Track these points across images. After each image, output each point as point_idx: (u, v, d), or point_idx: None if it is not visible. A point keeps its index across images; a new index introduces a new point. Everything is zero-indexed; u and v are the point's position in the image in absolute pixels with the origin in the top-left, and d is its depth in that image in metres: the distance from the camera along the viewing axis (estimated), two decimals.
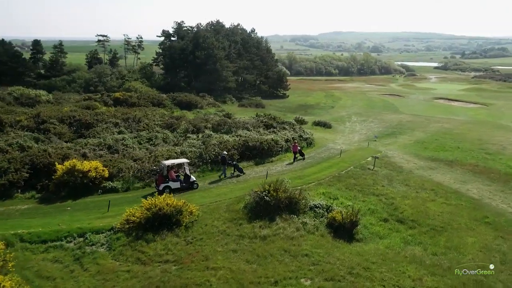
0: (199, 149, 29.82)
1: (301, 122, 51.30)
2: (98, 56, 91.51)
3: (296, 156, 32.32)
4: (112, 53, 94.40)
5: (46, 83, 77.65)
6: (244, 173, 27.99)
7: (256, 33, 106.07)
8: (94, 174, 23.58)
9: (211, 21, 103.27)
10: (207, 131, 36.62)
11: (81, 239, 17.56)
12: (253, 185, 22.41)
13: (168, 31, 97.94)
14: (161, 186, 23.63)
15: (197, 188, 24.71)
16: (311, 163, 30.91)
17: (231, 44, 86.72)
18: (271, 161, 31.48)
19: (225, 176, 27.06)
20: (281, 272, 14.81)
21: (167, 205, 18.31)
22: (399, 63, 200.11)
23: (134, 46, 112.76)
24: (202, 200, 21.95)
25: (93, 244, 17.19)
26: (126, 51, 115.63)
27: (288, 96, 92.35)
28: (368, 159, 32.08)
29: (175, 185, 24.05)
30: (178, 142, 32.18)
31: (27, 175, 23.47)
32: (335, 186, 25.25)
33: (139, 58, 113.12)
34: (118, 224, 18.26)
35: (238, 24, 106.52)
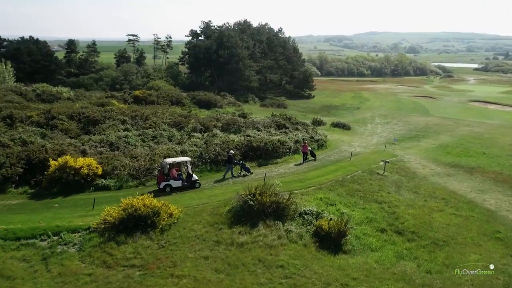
0: (200, 149, 28.99)
1: (319, 123, 49.62)
2: (126, 55, 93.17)
3: (308, 157, 31.04)
4: (138, 52, 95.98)
5: (74, 81, 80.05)
6: (251, 173, 27.01)
7: (284, 32, 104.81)
8: (86, 171, 23.14)
9: (239, 21, 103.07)
10: (215, 130, 35.80)
11: (56, 237, 16.99)
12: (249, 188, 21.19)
13: (196, 30, 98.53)
14: (162, 184, 23.05)
15: (199, 187, 23.88)
16: (316, 166, 29.32)
17: (255, 44, 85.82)
18: (276, 163, 30.13)
19: (232, 176, 26.17)
20: (248, 284, 13.59)
21: (144, 206, 17.49)
22: (436, 64, 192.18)
23: (163, 46, 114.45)
24: (190, 202, 21.01)
25: (65, 244, 16.59)
26: (155, 50, 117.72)
27: (313, 96, 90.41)
28: (380, 163, 30.05)
29: (176, 183, 23.37)
30: (182, 141, 31.50)
31: (22, 170, 23.37)
32: (336, 191, 23.62)
33: (168, 58, 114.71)
34: (95, 223, 17.62)
35: (266, 24, 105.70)
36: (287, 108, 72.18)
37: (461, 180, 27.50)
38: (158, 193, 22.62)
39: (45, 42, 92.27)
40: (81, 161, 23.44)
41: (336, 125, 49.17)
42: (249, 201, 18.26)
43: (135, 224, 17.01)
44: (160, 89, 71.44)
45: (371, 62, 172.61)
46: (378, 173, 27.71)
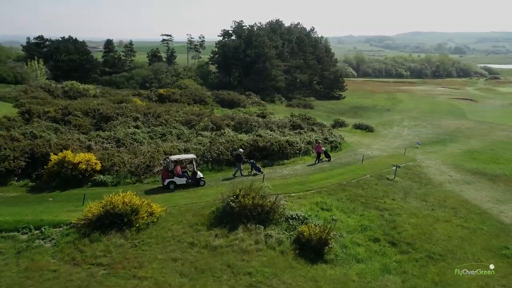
0: (204, 147, 28.52)
1: (341, 124, 47.95)
2: (158, 55, 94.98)
3: (321, 157, 30.10)
4: (169, 51, 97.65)
5: (107, 79, 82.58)
6: (262, 172, 26.36)
7: (316, 32, 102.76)
8: (84, 167, 23.27)
9: (271, 20, 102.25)
10: (227, 129, 35.29)
11: (37, 231, 17.01)
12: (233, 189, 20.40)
13: (228, 30, 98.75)
14: (166, 181, 22.94)
15: (203, 185, 23.53)
16: (323, 169, 28.02)
17: (284, 43, 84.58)
18: (282, 164, 29.06)
19: (234, 175, 25.68)
20: None
21: (123, 203, 17.14)
22: (482, 65, 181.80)
23: (196, 46, 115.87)
24: (180, 201, 20.53)
25: (44, 238, 16.53)
26: (188, 50, 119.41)
27: (344, 97, 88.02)
28: (393, 167, 28.27)
29: (180, 181, 23.18)
30: (189, 139, 31.21)
31: (24, 163, 23.86)
32: (336, 195, 22.30)
33: (200, 57, 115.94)
34: (75, 219, 17.51)
35: (298, 23, 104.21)
36: (313, 108, 70.64)
37: (480, 188, 25.23)
38: (162, 190, 22.49)
39: (83, 42, 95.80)
40: (80, 157, 23.56)
41: (358, 126, 47.20)
42: (230, 202, 17.48)
43: (111, 221, 16.70)
44: (187, 87, 72.14)
45: (410, 63, 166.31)
46: (387, 178, 26.01)
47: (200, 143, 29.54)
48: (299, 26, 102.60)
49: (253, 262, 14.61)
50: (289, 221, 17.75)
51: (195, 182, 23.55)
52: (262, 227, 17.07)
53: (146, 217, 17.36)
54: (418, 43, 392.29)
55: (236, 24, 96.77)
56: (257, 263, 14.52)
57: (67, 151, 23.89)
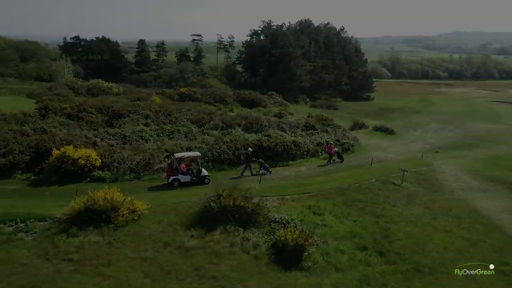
0: (207, 146, 28.20)
1: (360, 126, 46.20)
2: (187, 54, 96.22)
3: (334, 158, 29.40)
4: (196, 50, 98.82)
5: (135, 77, 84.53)
6: (270, 172, 25.98)
7: (346, 31, 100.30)
8: (83, 162, 23.56)
9: (300, 20, 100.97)
10: (236, 129, 34.87)
11: (22, 224, 17.27)
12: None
13: (257, 30, 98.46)
14: (170, 179, 22.98)
15: (208, 183, 23.27)
16: (328, 171, 26.96)
17: (311, 43, 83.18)
18: (287, 165, 28.28)
19: (241, 175, 25.32)
20: None
21: (104, 199, 17.06)
22: None
23: (226, 46, 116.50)
24: (169, 199, 20.25)
25: (27, 231, 16.71)
26: (218, 50, 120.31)
27: (373, 98, 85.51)
28: (401, 172, 26.73)
29: (184, 178, 23.15)
30: (195, 138, 31.03)
31: (28, 157, 24.48)
32: (333, 199, 21.25)
33: (229, 58, 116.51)
34: (59, 214, 17.62)
35: (328, 23, 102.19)
36: (337, 109, 69.06)
37: (496, 197, 23.27)
38: (166, 187, 22.47)
39: (115, 42, 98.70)
40: (80, 152, 23.86)
41: (378, 128, 45.32)
42: (211, 203, 16.98)
43: (90, 217, 16.64)
44: (212, 87, 72.65)
45: (449, 64, 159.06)
46: (394, 183, 24.59)
47: (204, 142, 29.25)
48: (328, 26, 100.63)
49: (222, 265, 14.03)
50: (271, 225, 17.01)
51: (200, 180, 23.38)
52: (241, 229, 16.45)
53: (126, 215, 17.20)
54: (461, 44, 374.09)
55: (265, 23, 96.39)
56: (226, 267, 13.92)
57: (68, 147, 24.28)
